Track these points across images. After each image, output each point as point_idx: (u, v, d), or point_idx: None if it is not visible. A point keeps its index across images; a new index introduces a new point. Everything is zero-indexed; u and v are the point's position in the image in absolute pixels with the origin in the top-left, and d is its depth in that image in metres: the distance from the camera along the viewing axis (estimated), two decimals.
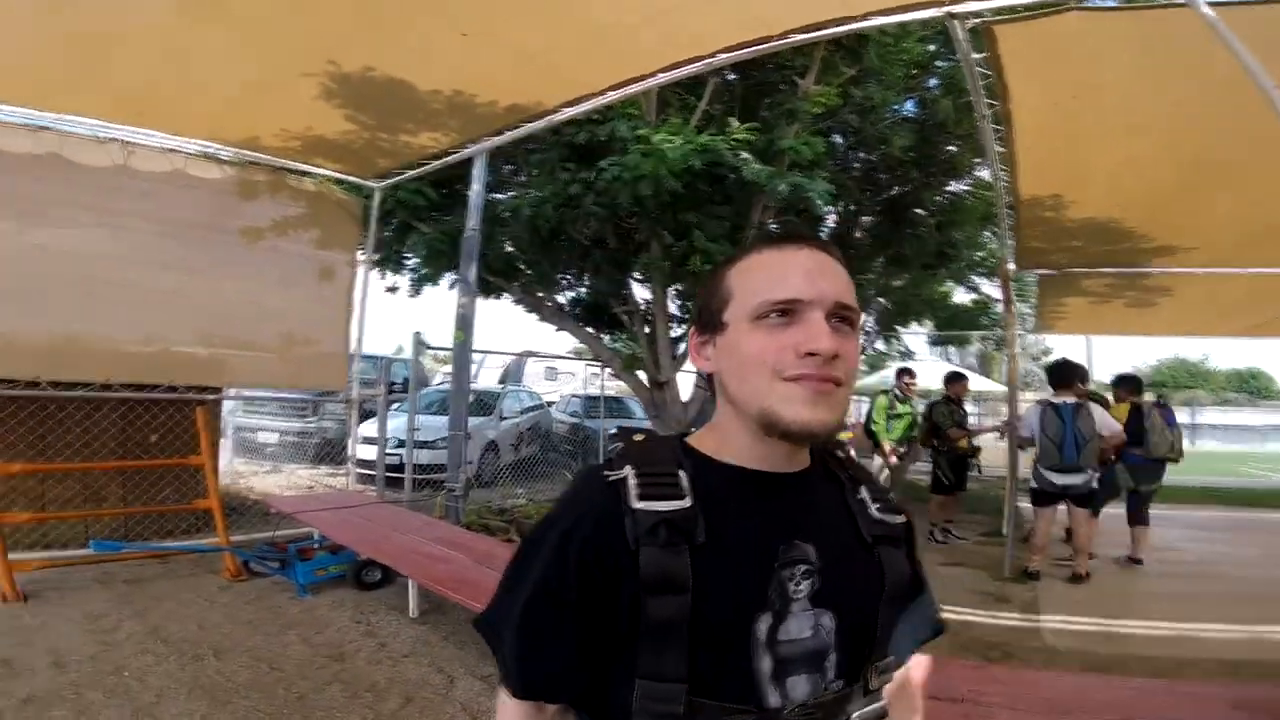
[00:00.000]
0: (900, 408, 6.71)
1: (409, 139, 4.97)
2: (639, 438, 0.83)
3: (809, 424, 0.74)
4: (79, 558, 4.27)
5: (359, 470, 6.62)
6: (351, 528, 4.36)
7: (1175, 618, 4.35)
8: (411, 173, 5.67)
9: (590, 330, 8.56)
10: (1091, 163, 4.41)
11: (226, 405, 7.73)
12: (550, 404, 12.13)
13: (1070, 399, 5.16)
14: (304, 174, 5.71)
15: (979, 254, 10.16)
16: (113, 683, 2.86)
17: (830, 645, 0.78)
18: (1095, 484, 5.16)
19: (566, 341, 10.41)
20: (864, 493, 0.86)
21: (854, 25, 3.48)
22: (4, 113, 4.34)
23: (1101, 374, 12.40)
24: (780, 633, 0.75)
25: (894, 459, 6.63)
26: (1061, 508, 5.29)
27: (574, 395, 12.69)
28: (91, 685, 2.81)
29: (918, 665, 0.98)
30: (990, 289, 11.46)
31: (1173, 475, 6.11)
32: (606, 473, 0.77)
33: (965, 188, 8.98)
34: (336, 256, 6.09)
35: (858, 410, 9.60)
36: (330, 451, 8.92)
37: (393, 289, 8.43)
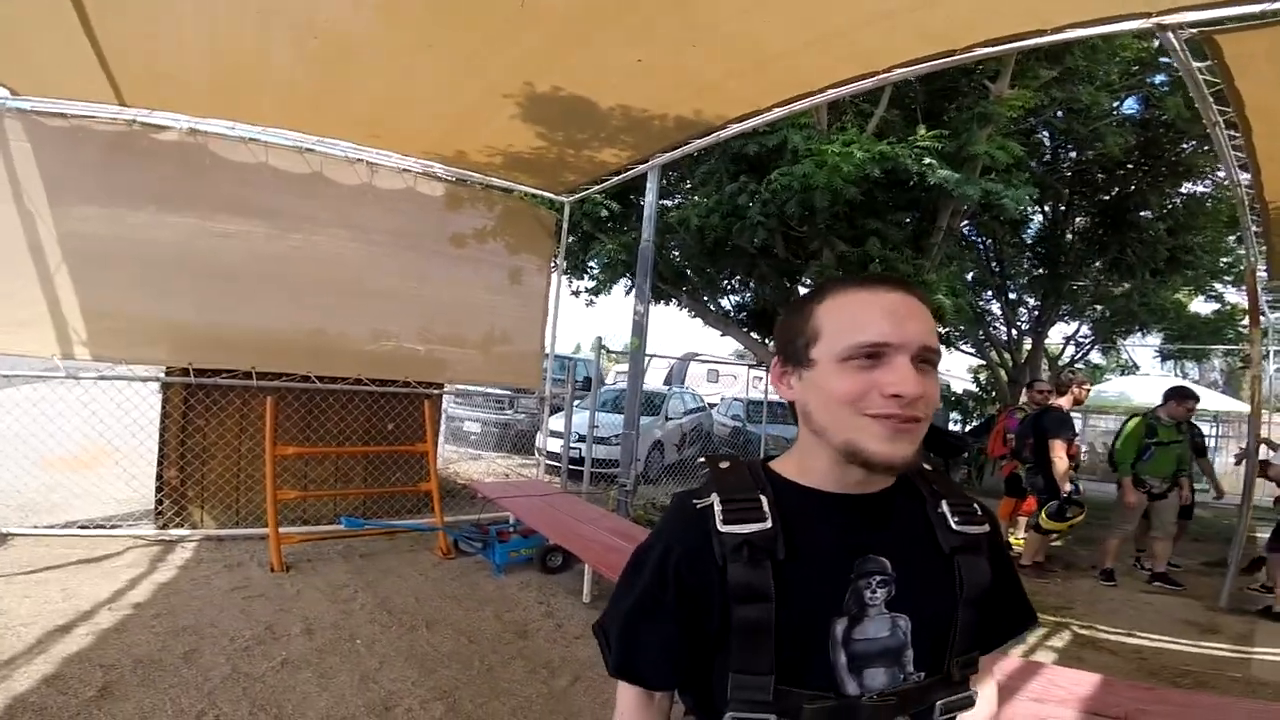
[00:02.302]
0: (1164, 434, 5.00)
1: (592, 154, 5.00)
2: (724, 465, 0.87)
3: (890, 458, 0.77)
4: (331, 533, 4.70)
5: (551, 463, 6.83)
6: (541, 514, 4.46)
7: None
8: (596, 187, 5.75)
9: (755, 336, 8.24)
10: None
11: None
12: (712, 406, 11.88)
13: None
14: (507, 190, 5.95)
15: (1224, 260, 8.51)
16: (347, 649, 3.08)
17: (906, 643, 0.82)
18: None
19: (728, 344, 10.18)
20: (944, 506, 0.88)
21: (1048, 38, 2.98)
22: (280, 136, 4.86)
23: None
24: (856, 633, 0.80)
25: (1131, 498, 4.93)
26: None
27: (735, 398, 12.33)
28: (332, 651, 3.04)
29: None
30: (1236, 297, 9.49)
31: None
32: (695, 501, 0.84)
33: (1203, 190, 7.56)
34: (534, 265, 6.30)
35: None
36: (522, 442, 9.41)
37: (576, 293, 8.73)
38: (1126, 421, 5.18)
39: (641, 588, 0.84)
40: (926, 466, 0.92)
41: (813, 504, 0.83)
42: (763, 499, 0.81)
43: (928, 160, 5.17)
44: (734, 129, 4.36)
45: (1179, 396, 5.08)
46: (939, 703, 0.84)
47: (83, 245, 4.32)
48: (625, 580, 0.89)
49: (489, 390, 9.98)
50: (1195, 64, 2.94)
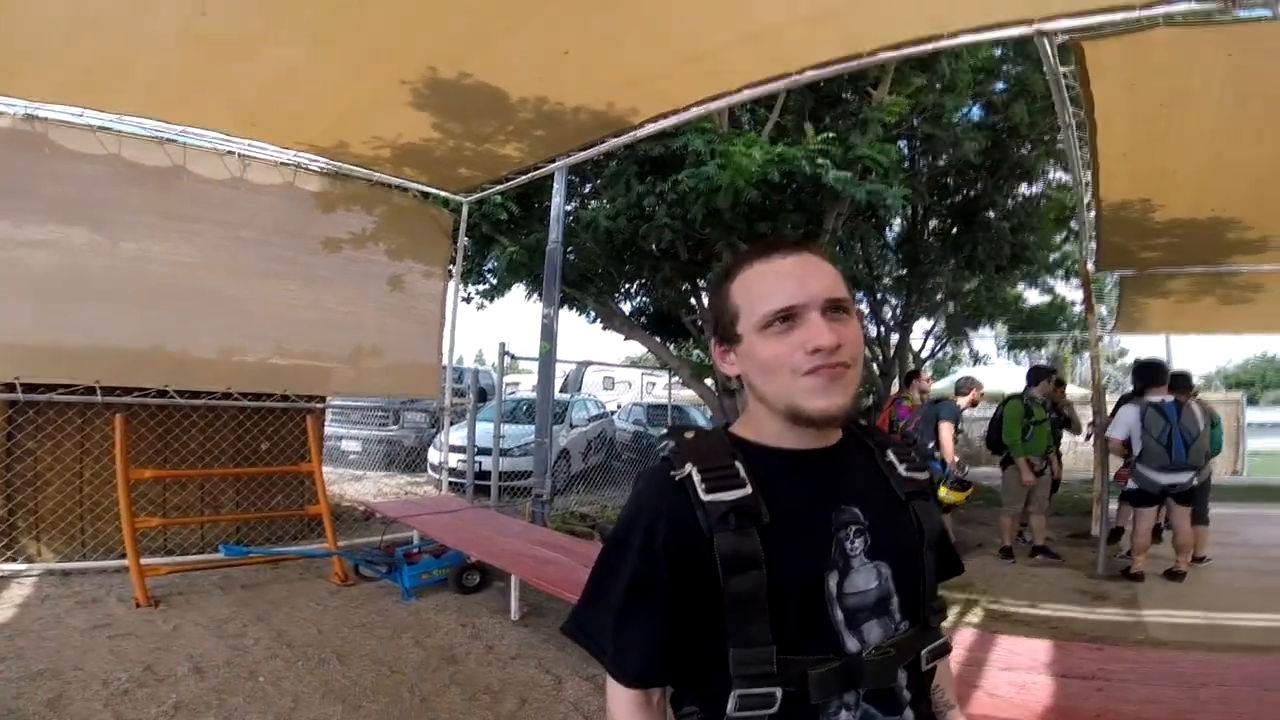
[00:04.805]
0: (1038, 414, 5.45)
1: (494, 149, 4.78)
2: (689, 435, 0.87)
3: (827, 410, 0.80)
4: (206, 562, 4.23)
5: (450, 479, 6.52)
6: (457, 531, 4.25)
7: None
8: (498, 187, 5.56)
9: (657, 339, 8.41)
10: (1179, 165, 4.17)
11: None
12: (612, 413, 11.96)
13: (1169, 397, 4.74)
14: (402, 188, 5.64)
15: (1053, 255, 9.70)
16: (250, 688, 2.76)
17: (892, 591, 0.84)
18: (1196, 481, 4.71)
19: (620, 352, 10.29)
20: (891, 455, 0.93)
21: (943, 43, 3.25)
22: (138, 126, 4.31)
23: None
24: (847, 586, 0.81)
25: (1029, 477, 5.36)
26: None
27: (635, 404, 12.54)
28: (232, 691, 2.71)
29: None
30: (1065, 290, 10.89)
31: (1270, 475, 5.62)
32: (672, 472, 0.81)
33: (1038, 191, 8.57)
34: (430, 268, 6.00)
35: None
36: (409, 460, 8.92)
37: (467, 299, 8.36)
38: (1003, 406, 5.67)
39: (630, 572, 0.80)
40: (862, 422, 0.97)
41: (780, 463, 0.85)
42: (738, 465, 0.81)
43: (820, 161, 5.50)
44: (650, 128, 4.32)
45: (1046, 375, 5.63)
46: (924, 651, 0.87)
47: None
48: (605, 569, 0.84)
49: (370, 405, 9.40)
50: (1061, 69, 3.38)
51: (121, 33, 3.17)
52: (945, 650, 0.91)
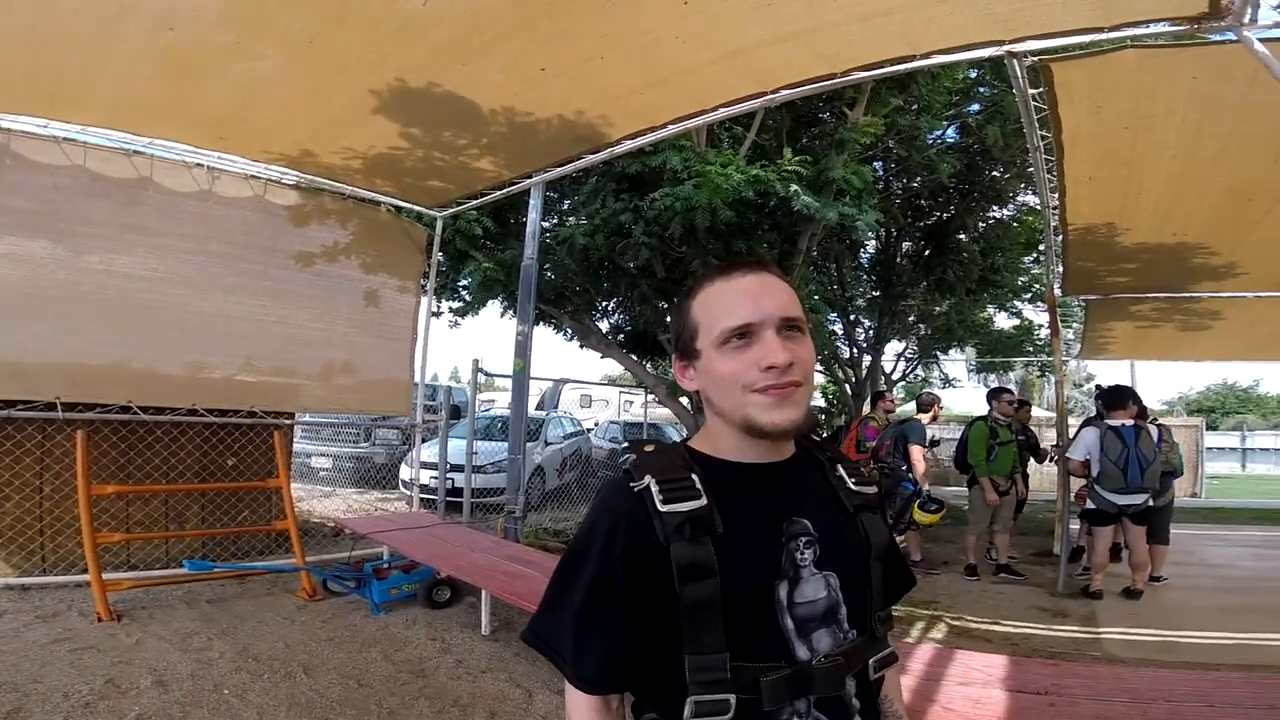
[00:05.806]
0: (1003, 435, 5.68)
1: (467, 162, 4.82)
2: (649, 449, 0.91)
3: (780, 424, 0.84)
4: (170, 577, 4.23)
5: (422, 495, 6.53)
6: (427, 546, 4.29)
7: (1234, 629, 4.27)
8: (474, 202, 5.64)
9: (634, 357, 8.51)
10: (1142, 190, 4.36)
11: None
12: (589, 431, 12.04)
13: (1129, 421, 4.97)
14: (375, 202, 5.69)
15: (1021, 279, 9.94)
16: (215, 701, 2.78)
17: (840, 601, 0.88)
18: (1150, 503, 4.93)
19: (597, 370, 10.35)
20: (841, 470, 0.97)
21: (916, 64, 3.34)
22: (104, 137, 4.31)
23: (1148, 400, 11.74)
24: (796, 596, 0.85)
25: (993, 496, 5.57)
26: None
27: (611, 421, 12.67)
28: (196, 704, 2.74)
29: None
30: (1032, 314, 11.15)
31: (1227, 497, 5.88)
32: (631, 484, 0.86)
33: (1009, 214, 8.80)
34: (402, 284, 6.04)
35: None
36: (380, 477, 8.90)
37: (437, 314, 8.36)
38: (969, 427, 5.94)
39: (589, 581, 0.83)
40: (814, 437, 1.00)
41: (734, 476, 0.89)
42: (694, 477, 0.85)
43: (794, 187, 5.65)
44: (628, 145, 4.39)
45: (998, 395, 5.94)
46: (871, 660, 0.91)
47: None
48: (564, 577, 0.87)
49: (340, 421, 9.37)
50: (1030, 90, 3.51)
51: (88, 44, 3.22)
52: (892, 660, 0.94)
